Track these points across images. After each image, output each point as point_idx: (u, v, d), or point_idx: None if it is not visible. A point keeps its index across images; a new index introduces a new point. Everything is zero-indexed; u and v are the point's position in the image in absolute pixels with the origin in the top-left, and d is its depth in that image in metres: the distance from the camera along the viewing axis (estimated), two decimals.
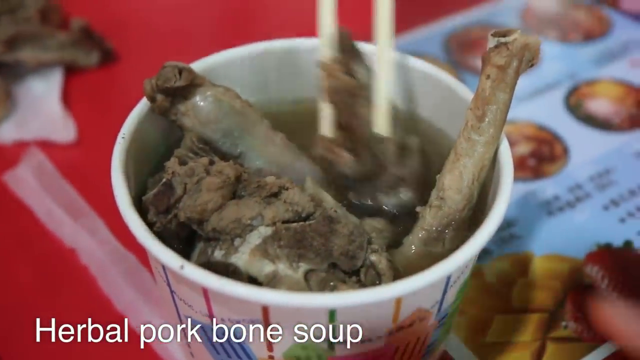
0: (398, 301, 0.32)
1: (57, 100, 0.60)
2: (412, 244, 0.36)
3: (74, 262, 0.48)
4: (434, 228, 0.36)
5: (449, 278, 0.33)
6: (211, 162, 0.34)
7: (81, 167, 0.56)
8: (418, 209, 0.37)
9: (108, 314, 0.45)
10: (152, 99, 0.37)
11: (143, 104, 0.38)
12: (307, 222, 0.34)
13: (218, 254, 0.33)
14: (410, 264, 0.35)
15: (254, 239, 0.33)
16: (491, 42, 0.35)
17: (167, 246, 0.32)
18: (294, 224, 0.33)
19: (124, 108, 0.38)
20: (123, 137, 0.36)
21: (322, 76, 0.38)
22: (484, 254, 0.49)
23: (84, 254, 0.49)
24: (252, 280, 0.33)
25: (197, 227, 0.33)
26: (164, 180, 0.34)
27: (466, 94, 0.40)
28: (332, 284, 0.33)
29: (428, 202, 0.36)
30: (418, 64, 0.43)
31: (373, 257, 0.34)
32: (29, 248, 0.50)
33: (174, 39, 0.68)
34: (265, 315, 0.31)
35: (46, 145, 0.57)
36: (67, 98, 0.61)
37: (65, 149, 0.57)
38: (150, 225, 0.33)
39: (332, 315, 0.31)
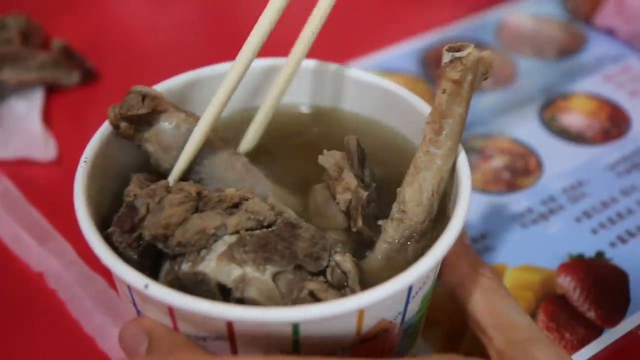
0: (360, 313, 0.32)
1: (38, 119, 0.60)
2: (376, 256, 0.37)
3: (41, 287, 0.48)
4: (396, 240, 0.36)
5: (410, 288, 0.33)
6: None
7: (58, 186, 0.56)
8: (380, 222, 0.37)
9: (77, 337, 0.45)
10: (116, 127, 0.38)
11: (105, 128, 0.39)
12: (270, 229, 0.34)
13: (185, 267, 0.33)
14: (374, 275, 0.36)
15: (220, 247, 0.34)
16: (446, 57, 0.36)
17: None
18: (257, 231, 0.34)
19: None
20: (85, 161, 0.37)
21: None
22: None
23: (52, 278, 0.49)
24: (221, 289, 0.33)
25: (162, 244, 0.34)
26: (125, 203, 0.35)
27: (425, 108, 0.40)
28: (300, 284, 0.33)
29: (390, 215, 0.37)
30: (378, 80, 0.44)
31: (337, 258, 0.35)
32: None
33: (153, 58, 0.69)
34: (230, 331, 0.32)
35: (26, 164, 0.57)
36: (48, 117, 0.62)
37: (45, 168, 0.57)
38: (115, 248, 0.34)
39: (295, 328, 0.32)
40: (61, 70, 0.64)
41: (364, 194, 0.37)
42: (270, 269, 0.33)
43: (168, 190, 0.35)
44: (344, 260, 0.35)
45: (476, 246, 0.51)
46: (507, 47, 0.72)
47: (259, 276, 0.33)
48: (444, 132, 0.36)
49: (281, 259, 0.33)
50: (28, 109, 0.61)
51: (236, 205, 0.35)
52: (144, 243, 0.34)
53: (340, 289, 0.35)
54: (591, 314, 0.47)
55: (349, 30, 0.73)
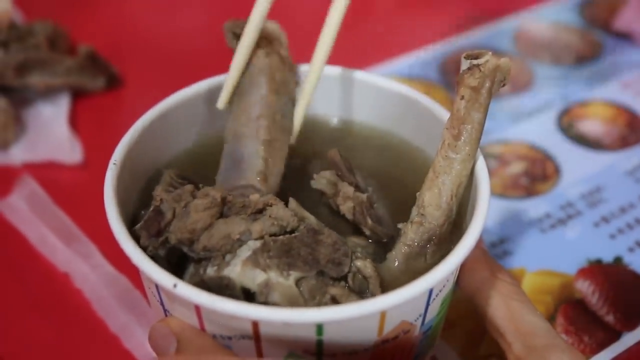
0: (382, 314, 0.33)
1: (65, 123, 0.62)
2: (395, 259, 0.37)
3: (67, 287, 0.49)
4: (415, 243, 0.37)
5: (431, 291, 0.34)
6: (196, 188, 0.36)
7: (84, 189, 0.57)
8: (400, 225, 0.38)
9: (102, 336, 0.46)
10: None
11: (133, 131, 0.40)
12: (293, 235, 0.35)
13: (211, 271, 0.34)
14: (394, 278, 0.37)
15: (244, 252, 0.34)
16: (464, 64, 0.37)
17: None
18: (281, 237, 0.35)
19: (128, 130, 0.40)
20: (115, 164, 0.38)
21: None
22: None
23: (77, 279, 0.50)
24: (246, 292, 0.34)
25: (187, 248, 0.35)
26: (152, 207, 0.36)
27: (442, 114, 0.41)
28: (322, 289, 0.34)
29: (409, 219, 0.38)
30: (396, 86, 0.44)
31: (358, 263, 0.35)
32: (23, 274, 0.51)
33: (176, 63, 0.70)
34: (256, 331, 0.33)
35: (53, 167, 0.58)
36: (74, 121, 0.63)
37: (72, 171, 0.59)
38: (142, 250, 0.35)
39: (319, 329, 0.32)
40: (87, 76, 0.65)
41: (364, 196, 0.38)
42: (293, 275, 0.34)
43: (194, 195, 0.35)
44: (365, 266, 0.35)
45: (495, 251, 0.52)
46: (525, 54, 0.72)
47: (282, 281, 0.34)
48: (463, 138, 0.37)
49: (304, 264, 0.34)
50: (55, 113, 0.63)
51: (260, 211, 0.36)
52: (168, 246, 0.35)
53: (362, 293, 0.35)
54: (609, 318, 0.48)
55: (367, 38, 0.74)
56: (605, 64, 0.71)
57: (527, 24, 0.76)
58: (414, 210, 0.38)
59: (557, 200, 0.56)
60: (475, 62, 0.36)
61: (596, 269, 0.51)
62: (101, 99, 0.66)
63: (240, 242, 0.34)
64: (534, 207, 0.56)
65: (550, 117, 0.64)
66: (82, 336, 0.47)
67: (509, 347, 0.37)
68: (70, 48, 0.69)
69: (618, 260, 0.51)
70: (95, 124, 0.63)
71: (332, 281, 0.35)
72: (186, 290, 0.32)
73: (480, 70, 0.36)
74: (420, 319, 0.36)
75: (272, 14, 0.39)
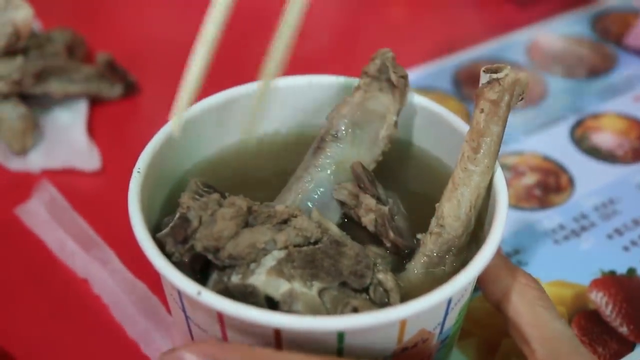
0: (403, 323, 0.33)
1: (83, 131, 0.62)
2: (415, 268, 0.38)
3: (86, 292, 0.50)
4: (434, 253, 0.38)
5: (450, 300, 0.35)
6: (222, 197, 0.37)
7: (103, 195, 0.58)
8: (419, 235, 0.39)
9: (121, 342, 0.47)
10: None
11: (157, 139, 0.40)
12: (317, 246, 0.36)
13: (235, 279, 0.35)
14: (414, 287, 0.37)
15: (269, 261, 0.35)
16: (483, 78, 0.37)
17: None
18: (305, 247, 0.36)
19: (145, 138, 0.41)
20: (138, 172, 0.38)
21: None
22: None
23: (96, 284, 0.50)
24: (269, 301, 0.35)
25: (212, 256, 0.35)
26: (179, 214, 0.36)
27: (462, 126, 0.42)
28: (344, 300, 0.35)
29: (429, 229, 0.38)
30: (416, 98, 0.45)
31: (380, 276, 0.36)
32: (42, 279, 0.52)
33: None
34: (278, 339, 0.33)
35: (71, 173, 0.59)
36: (92, 128, 0.64)
37: (90, 177, 0.59)
38: (167, 257, 0.35)
39: (340, 337, 0.33)
40: (105, 83, 0.66)
41: (385, 209, 0.39)
42: (316, 285, 0.35)
43: (220, 204, 0.36)
44: (387, 279, 0.36)
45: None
46: (538, 66, 0.73)
47: (306, 291, 0.34)
48: (482, 150, 0.37)
49: (327, 275, 0.35)
50: (72, 120, 0.64)
51: (285, 222, 0.36)
52: (193, 253, 0.36)
53: (382, 306, 0.36)
54: (623, 329, 0.48)
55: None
56: (618, 77, 0.71)
57: (539, 37, 0.77)
58: (433, 221, 0.38)
59: (571, 212, 0.56)
60: (494, 75, 0.37)
61: (610, 280, 0.51)
62: (119, 106, 0.67)
63: (265, 252, 0.35)
64: (548, 218, 0.56)
65: (563, 129, 0.65)
66: (101, 341, 0.47)
67: (532, 353, 0.37)
68: (88, 56, 0.70)
69: (631, 271, 0.52)
70: (113, 131, 0.64)
71: (354, 293, 0.35)
72: (210, 298, 0.32)
73: (500, 84, 0.36)
74: (439, 328, 0.36)
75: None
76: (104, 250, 0.52)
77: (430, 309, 0.33)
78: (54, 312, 0.49)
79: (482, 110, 0.37)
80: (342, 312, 0.34)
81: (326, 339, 0.33)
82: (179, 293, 0.35)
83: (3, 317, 0.49)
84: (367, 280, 0.35)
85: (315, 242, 0.36)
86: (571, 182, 0.59)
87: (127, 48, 0.73)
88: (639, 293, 0.51)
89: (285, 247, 0.35)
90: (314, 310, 0.34)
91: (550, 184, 0.59)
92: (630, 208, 0.57)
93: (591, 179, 0.60)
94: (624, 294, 0.50)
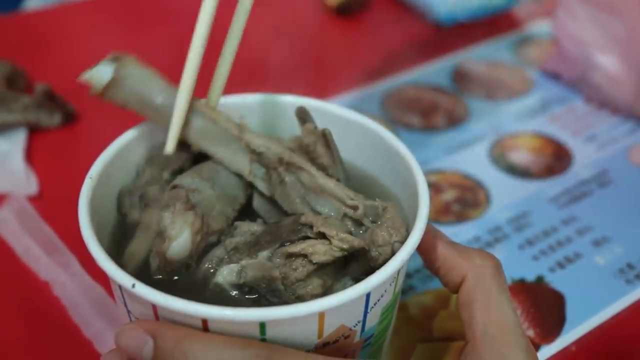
0: (321, 316, 0.35)
1: (21, 158, 0.64)
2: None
3: (47, 294, 0.53)
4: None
5: (368, 296, 0.37)
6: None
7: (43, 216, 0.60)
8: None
9: (77, 341, 0.49)
10: None
11: (111, 150, 0.43)
12: (258, 233, 0.41)
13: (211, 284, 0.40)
14: None
15: (222, 256, 0.40)
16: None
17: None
18: (249, 238, 0.41)
19: (83, 165, 0.43)
20: (90, 178, 0.41)
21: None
22: (409, 289, 0.54)
23: (57, 287, 0.53)
24: (239, 289, 0.39)
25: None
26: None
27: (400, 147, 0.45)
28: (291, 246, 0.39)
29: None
30: (359, 118, 0.47)
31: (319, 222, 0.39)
32: (8, 282, 0.54)
33: None
34: (206, 329, 0.35)
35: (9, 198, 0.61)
36: (31, 156, 0.66)
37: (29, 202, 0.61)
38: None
39: (262, 328, 0.35)
40: (43, 113, 0.68)
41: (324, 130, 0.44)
42: (261, 254, 0.39)
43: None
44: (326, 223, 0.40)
45: (425, 272, 0.55)
46: (462, 89, 0.77)
47: (253, 261, 0.39)
48: None
49: (268, 244, 0.39)
50: (11, 148, 0.65)
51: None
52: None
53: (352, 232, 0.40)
54: (530, 332, 0.51)
55: (314, 73, 0.78)
56: (536, 99, 0.76)
57: (465, 62, 0.81)
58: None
59: (486, 225, 0.60)
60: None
61: (519, 287, 0.55)
62: (57, 135, 0.69)
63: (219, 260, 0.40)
64: (465, 231, 0.59)
65: (482, 148, 0.69)
66: (58, 341, 0.50)
67: (473, 337, 0.38)
68: (28, 87, 0.72)
69: (540, 279, 0.55)
70: (51, 159, 0.66)
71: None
72: (143, 290, 0.35)
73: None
74: (360, 325, 0.38)
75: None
76: (66, 254, 0.55)
77: (347, 303, 0.35)
78: (17, 311, 0.52)
79: None
80: (294, 265, 0.38)
81: (250, 330, 0.35)
82: (120, 288, 0.37)
83: None
84: (305, 230, 0.39)
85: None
86: (487, 197, 0.63)
87: (66, 79, 0.75)
88: (546, 299, 0.54)
89: (234, 248, 0.40)
90: (264, 271, 0.38)
91: (468, 200, 0.63)
92: (541, 220, 0.61)
93: (506, 194, 0.63)
94: (532, 300, 0.54)
